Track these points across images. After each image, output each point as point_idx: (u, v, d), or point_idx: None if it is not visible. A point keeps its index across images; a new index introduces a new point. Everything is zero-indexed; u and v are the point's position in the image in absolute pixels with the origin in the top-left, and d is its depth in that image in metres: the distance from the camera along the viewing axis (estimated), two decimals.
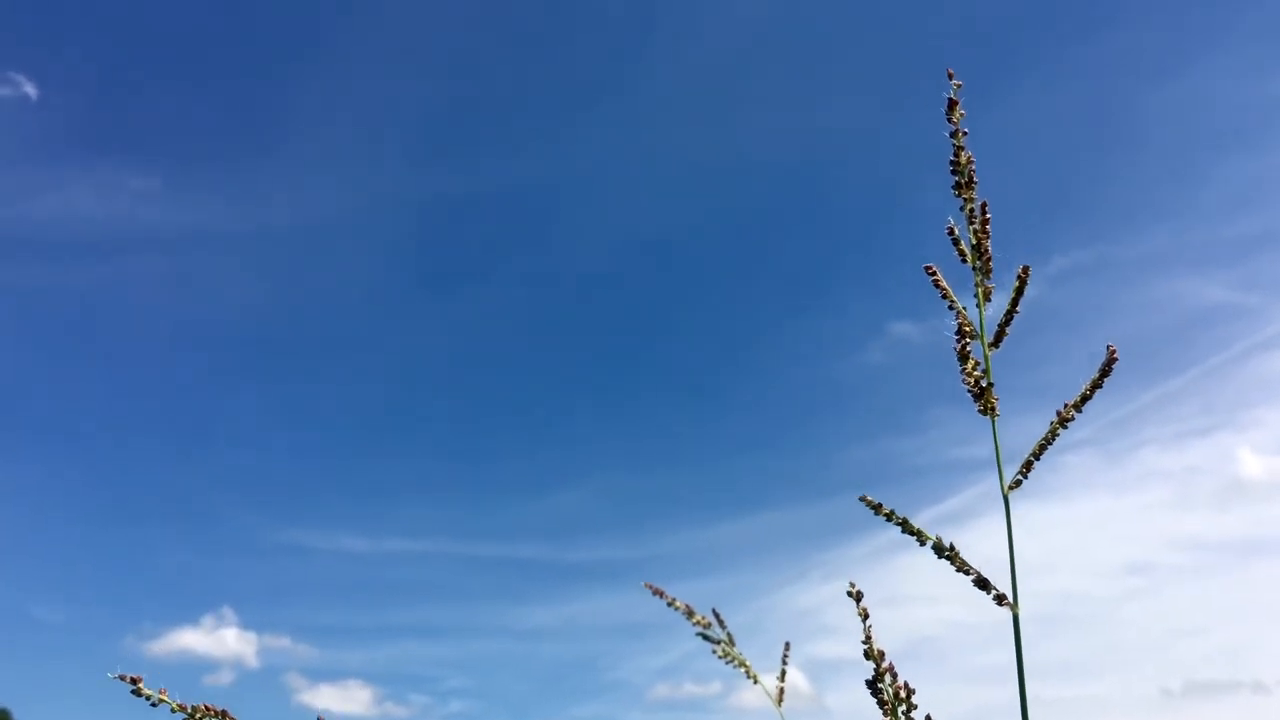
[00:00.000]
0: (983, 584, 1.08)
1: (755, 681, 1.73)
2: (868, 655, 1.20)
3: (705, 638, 1.77)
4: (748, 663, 1.74)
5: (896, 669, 1.18)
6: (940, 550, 1.08)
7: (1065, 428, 1.10)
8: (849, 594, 1.21)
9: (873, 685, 1.20)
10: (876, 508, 1.08)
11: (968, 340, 1.08)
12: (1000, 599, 1.08)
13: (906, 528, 1.08)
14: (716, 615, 1.78)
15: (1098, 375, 1.09)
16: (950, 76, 1.08)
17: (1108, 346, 1.08)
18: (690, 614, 1.77)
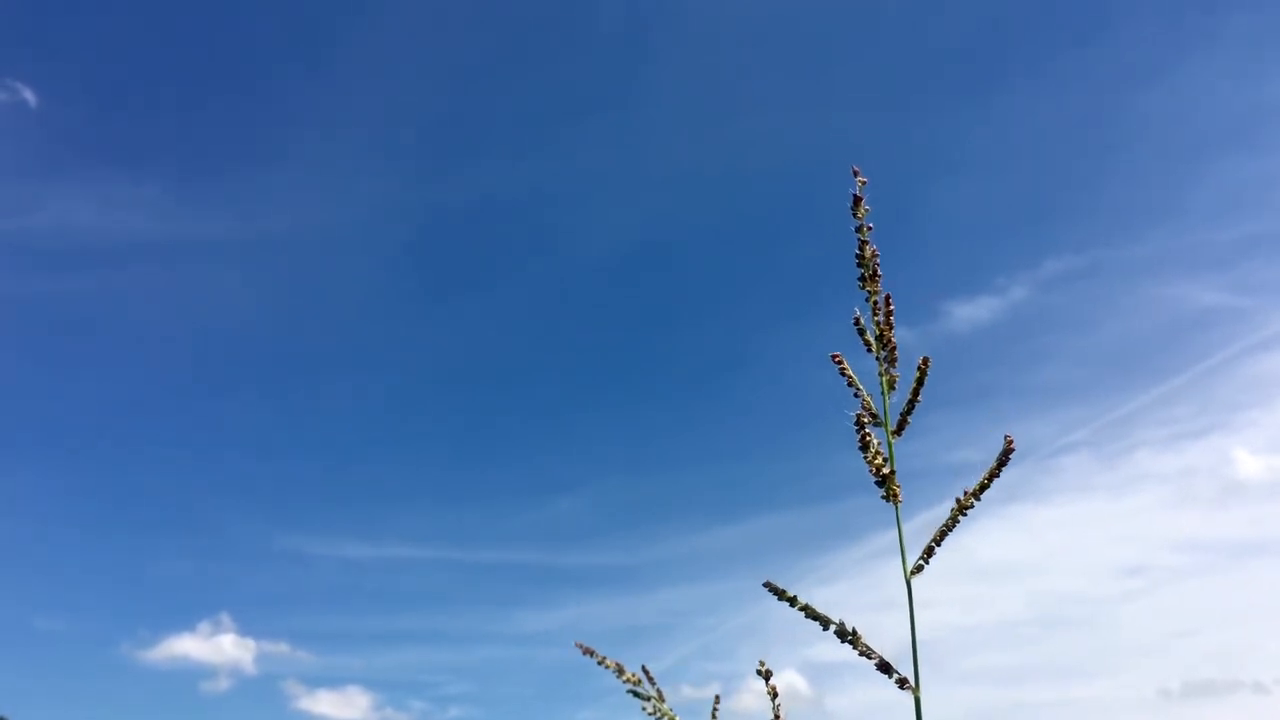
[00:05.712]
0: (885, 668, 1.11)
1: None
2: None
3: (635, 694, 1.78)
4: (676, 718, 1.76)
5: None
6: (843, 635, 1.10)
7: (965, 514, 1.13)
8: (759, 673, 1.24)
9: None
10: (780, 593, 1.11)
11: (867, 429, 1.10)
12: (902, 683, 1.10)
13: (810, 613, 1.11)
14: (646, 672, 1.79)
15: (995, 465, 1.12)
16: (856, 174, 1.12)
17: (1005, 437, 1.11)
18: (620, 672, 1.78)
